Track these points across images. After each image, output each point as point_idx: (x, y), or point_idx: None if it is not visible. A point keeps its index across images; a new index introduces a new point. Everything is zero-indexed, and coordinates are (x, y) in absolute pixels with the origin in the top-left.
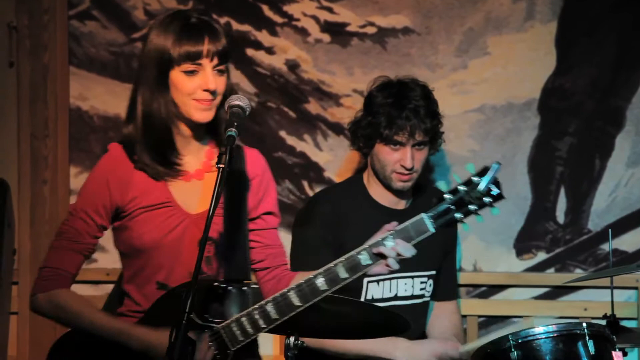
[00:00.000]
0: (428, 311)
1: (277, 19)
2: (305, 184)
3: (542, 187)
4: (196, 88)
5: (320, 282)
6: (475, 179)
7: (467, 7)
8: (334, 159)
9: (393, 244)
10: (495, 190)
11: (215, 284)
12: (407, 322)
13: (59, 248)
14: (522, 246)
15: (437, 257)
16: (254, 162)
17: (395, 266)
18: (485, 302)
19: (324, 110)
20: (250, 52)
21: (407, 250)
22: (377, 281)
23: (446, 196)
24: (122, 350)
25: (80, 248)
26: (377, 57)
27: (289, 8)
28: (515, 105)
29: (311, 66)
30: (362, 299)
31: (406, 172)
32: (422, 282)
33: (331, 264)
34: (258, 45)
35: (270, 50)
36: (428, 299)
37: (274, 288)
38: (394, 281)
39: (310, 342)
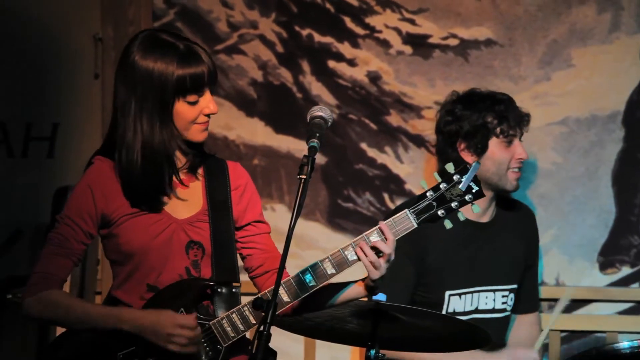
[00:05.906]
0: (509, 325)
1: (359, 30)
2: (385, 196)
3: (626, 200)
4: (198, 114)
5: (309, 278)
6: (456, 177)
7: (551, 19)
8: (415, 171)
9: (378, 239)
10: (475, 188)
11: (205, 283)
12: (487, 335)
13: (46, 254)
14: (606, 260)
15: (519, 271)
16: (237, 173)
17: (380, 267)
18: (568, 316)
19: (405, 123)
20: (331, 64)
21: (388, 247)
22: (459, 294)
23: (428, 193)
24: (111, 343)
25: (67, 253)
26: (459, 69)
27: (371, 20)
28: (600, 118)
29: (392, 78)
30: (444, 312)
31: (521, 166)
32: (503, 296)
33: (318, 260)
34: (340, 57)
35: (352, 62)
36: (509, 313)
37: None
38: (475, 294)
39: (391, 354)
